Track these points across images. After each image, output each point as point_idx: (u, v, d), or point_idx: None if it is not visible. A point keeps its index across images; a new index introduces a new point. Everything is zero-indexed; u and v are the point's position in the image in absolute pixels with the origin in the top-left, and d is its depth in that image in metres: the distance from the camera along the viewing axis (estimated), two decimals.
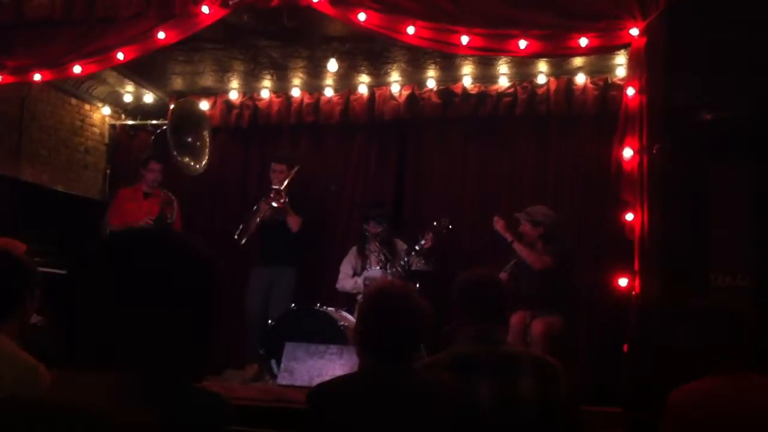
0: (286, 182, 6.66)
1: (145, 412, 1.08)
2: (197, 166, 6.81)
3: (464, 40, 5.16)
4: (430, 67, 6.92)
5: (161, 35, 5.62)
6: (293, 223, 6.67)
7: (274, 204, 6.57)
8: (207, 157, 6.90)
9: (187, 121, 6.82)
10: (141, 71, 7.39)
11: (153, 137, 7.25)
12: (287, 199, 6.59)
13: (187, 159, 6.75)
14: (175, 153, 6.56)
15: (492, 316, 2.89)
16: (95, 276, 1.17)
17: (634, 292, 4.66)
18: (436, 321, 2.96)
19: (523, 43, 5.10)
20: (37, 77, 6.07)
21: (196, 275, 1.21)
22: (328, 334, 5.58)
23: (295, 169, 6.76)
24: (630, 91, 4.91)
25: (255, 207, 6.75)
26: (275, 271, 6.70)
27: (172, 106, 7.19)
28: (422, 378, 2.59)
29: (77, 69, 5.94)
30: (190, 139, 6.79)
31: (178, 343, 1.15)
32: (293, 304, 6.21)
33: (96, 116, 8.07)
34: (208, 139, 6.93)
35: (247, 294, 6.69)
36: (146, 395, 1.11)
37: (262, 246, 6.74)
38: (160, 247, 1.21)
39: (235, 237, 6.64)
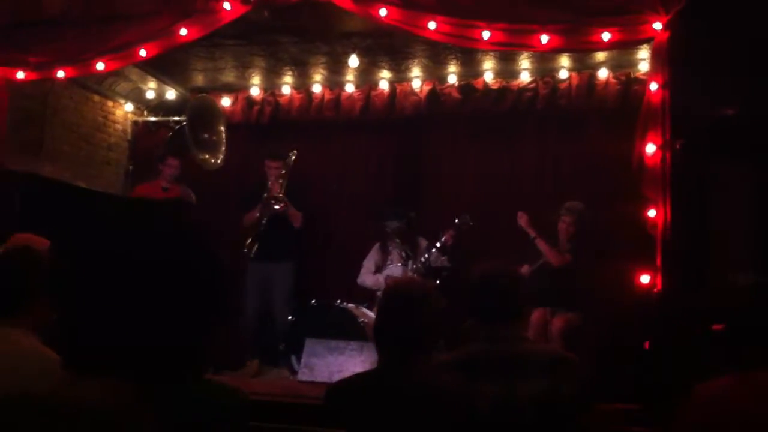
0: (282, 180, 6.68)
1: (145, 411, 1.06)
2: (215, 161, 6.83)
3: (485, 35, 5.13)
4: (451, 62, 6.91)
5: (183, 32, 5.64)
6: (295, 219, 6.70)
7: (276, 207, 6.60)
8: (224, 152, 6.93)
9: (202, 117, 6.83)
10: (163, 68, 7.45)
11: (170, 133, 7.28)
12: (286, 200, 6.63)
13: (205, 155, 6.78)
14: (193, 149, 6.58)
15: (505, 314, 2.82)
16: (91, 272, 1.11)
17: (655, 289, 4.61)
18: (456, 317, 2.93)
19: (544, 38, 5.05)
20: (60, 74, 6.12)
21: (200, 267, 1.16)
22: (348, 331, 5.58)
23: (293, 156, 6.74)
24: (653, 86, 4.84)
25: (256, 215, 6.73)
26: (274, 267, 6.69)
27: (189, 103, 7.23)
28: (428, 378, 2.55)
29: (100, 66, 5.97)
30: (206, 135, 6.81)
31: (179, 341, 1.11)
32: (313, 300, 6.21)
33: (119, 113, 8.12)
34: (224, 134, 6.95)
35: (245, 290, 6.67)
36: (146, 394, 1.08)
37: (261, 242, 6.70)
38: (162, 237, 1.15)
39: (244, 250, 6.64)
